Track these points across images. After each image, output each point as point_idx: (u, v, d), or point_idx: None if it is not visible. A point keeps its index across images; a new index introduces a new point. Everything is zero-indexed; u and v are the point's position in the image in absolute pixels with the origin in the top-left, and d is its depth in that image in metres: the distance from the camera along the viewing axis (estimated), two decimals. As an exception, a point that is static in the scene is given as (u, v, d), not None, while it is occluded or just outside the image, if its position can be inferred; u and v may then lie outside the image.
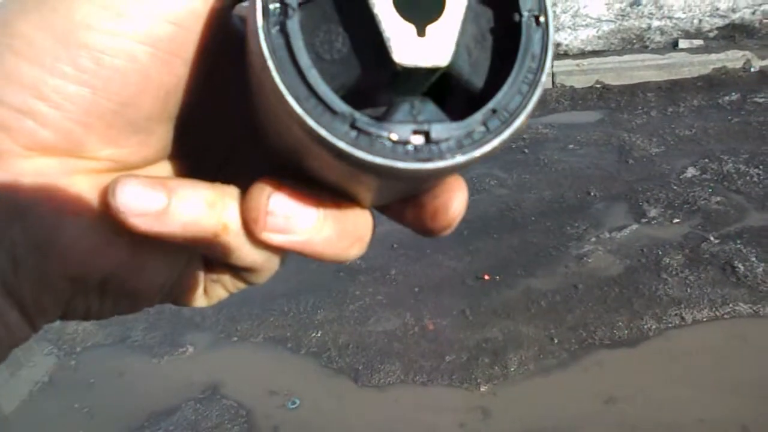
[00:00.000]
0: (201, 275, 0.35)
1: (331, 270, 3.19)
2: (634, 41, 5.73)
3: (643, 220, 3.31)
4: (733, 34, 5.55)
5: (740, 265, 2.83)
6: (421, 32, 0.23)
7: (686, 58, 5.26)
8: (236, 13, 0.30)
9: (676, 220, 3.27)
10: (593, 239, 3.21)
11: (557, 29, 5.64)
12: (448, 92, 0.27)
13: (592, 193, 3.64)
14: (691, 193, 3.46)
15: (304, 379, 2.61)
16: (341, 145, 0.23)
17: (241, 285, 0.37)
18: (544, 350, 2.57)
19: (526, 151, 4.26)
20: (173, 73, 0.27)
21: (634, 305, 2.72)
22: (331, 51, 0.24)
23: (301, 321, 2.93)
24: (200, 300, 0.36)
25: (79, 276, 0.28)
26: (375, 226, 0.32)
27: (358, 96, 0.24)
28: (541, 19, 0.25)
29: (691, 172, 3.71)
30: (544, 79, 0.25)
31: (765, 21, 5.54)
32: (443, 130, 0.24)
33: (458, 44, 0.24)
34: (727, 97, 4.67)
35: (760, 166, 3.63)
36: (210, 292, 0.36)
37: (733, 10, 5.58)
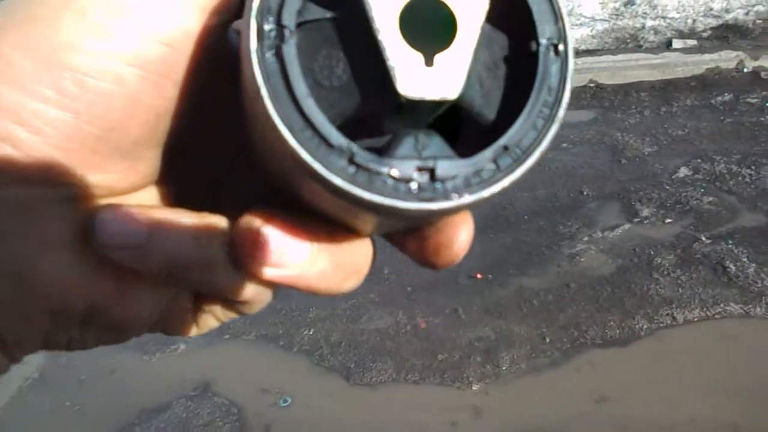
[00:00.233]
0: (190, 306, 0.33)
1: (323, 268, 3.17)
2: (628, 41, 5.74)
3: (636, 220, 3.31)
4: (727, 34, 5.56)
5: (732, 266, 2.84)
6: (429, 62, 0.21)
7: (680, 57, 5.27)
8: (234, 27, 0.28)
9: (668, 220, 3.28)
10: (586, 238, 3.21)
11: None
12: (456, 123, 0.25)
13: (584, 193, 3.64)
14: (684, 193, 3.47)
15: (295, 377, 2.61)
16: (337, 181, 0.21)
17: (233, 315, 0.35)
18: (536, 349, 2.57)
19: (519, 149, 4.25)
20: (163, 95, 0.25)
21: (626, 305, 2.73)
22: (330, 77, 0.22)
23: (293, 319, 2.92)
24: (191, 330, 0.34)
25: (60, 309, 0.27)
26: (375, 255, 0.30)
27: (358, 124, 0.23)
28: (560, 47, 0.23)
29: (683, 172, 3.72)
30: (562, 115, 0.23)
31: (758, 22, 5.56)
32: (450, 167, 0.22)
33: (469, 73, 0.22)
34: (720, 98, 4.68)
35: (752, 167, 3.64)
36: (201, 322, 0.34)
37: (727, 11, 5.60)
